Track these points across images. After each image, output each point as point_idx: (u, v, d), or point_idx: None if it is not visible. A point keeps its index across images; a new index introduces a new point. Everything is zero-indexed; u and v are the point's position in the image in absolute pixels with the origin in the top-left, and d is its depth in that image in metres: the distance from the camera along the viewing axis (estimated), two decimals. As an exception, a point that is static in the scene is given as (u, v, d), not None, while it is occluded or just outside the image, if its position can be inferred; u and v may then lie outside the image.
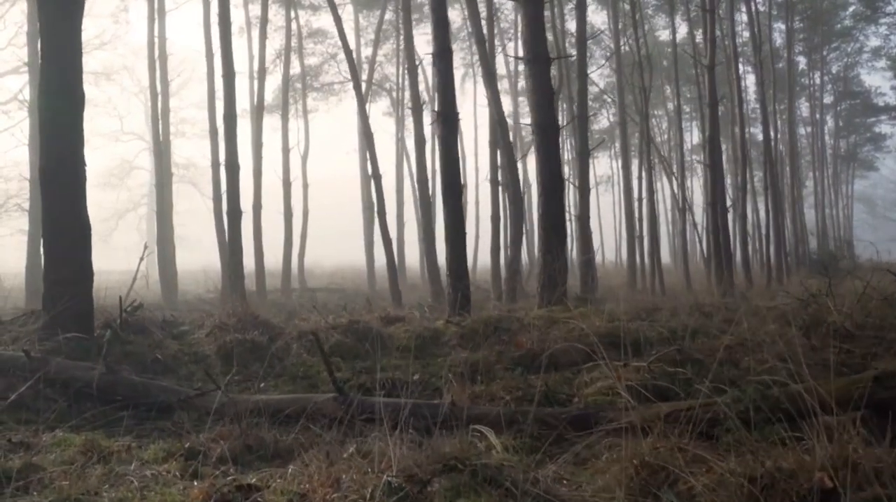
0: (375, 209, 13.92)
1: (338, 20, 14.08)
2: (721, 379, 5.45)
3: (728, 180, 30.61)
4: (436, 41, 7.65)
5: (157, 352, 5.66)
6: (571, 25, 25.85)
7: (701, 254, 25.26)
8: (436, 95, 7.85)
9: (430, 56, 8.00)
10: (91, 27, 27.61)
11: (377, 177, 14.09)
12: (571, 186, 18.24)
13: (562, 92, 20.36)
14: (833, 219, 41.79)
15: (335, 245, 46.52)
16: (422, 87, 32.41)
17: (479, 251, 29.36)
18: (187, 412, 4.55)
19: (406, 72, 15.33)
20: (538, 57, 8.66)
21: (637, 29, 20.89)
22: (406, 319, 7.40)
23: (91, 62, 21.83)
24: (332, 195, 42.92)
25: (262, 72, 18.96)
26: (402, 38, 27.25)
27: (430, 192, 15.99)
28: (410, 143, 27.95)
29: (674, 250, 34.70)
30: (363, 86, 27.39)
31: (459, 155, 9.33)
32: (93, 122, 26.30)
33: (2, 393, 4.52)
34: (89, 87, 22.23)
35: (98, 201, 30.79)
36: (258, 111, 18.30)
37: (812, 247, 32.62)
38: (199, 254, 33.76)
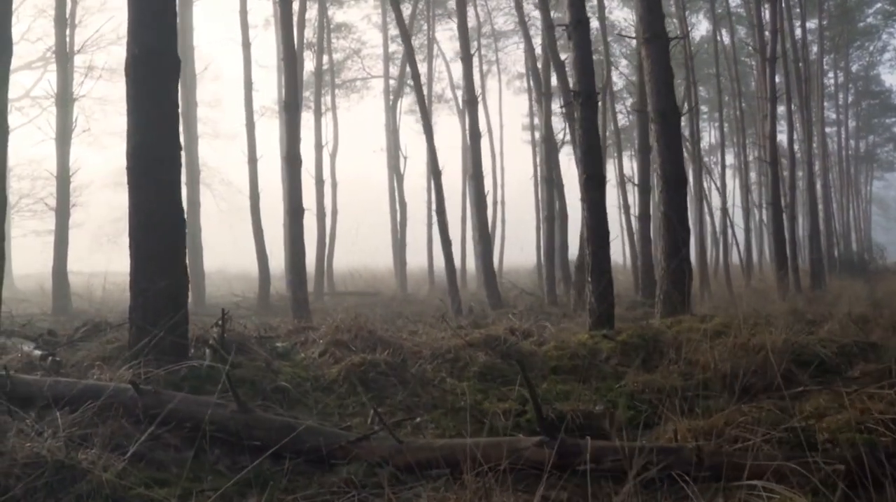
0: (434, 208, 12.87)
1: (395, 2, 13.02)
2: None
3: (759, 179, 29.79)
4: (571, 10, 6.66)
5: (277, 379, 4.59)
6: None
7: (737, 255, 24.41)
8: (573, 73, 6.88)
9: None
10: (107, 20, 26.51)
11: (437, 173, 13.03)
12: (630, 185, 17.29)
13: (607, 88, 19.45)
14: (854, 221, 41.05)
15: (345, 246, 45.47)
16: (444, 83, 31.45)
17: (505, 252, 28.48)
18: (351, 462, 3.53)
19: (461, 61, 14.22)
20: (657, 35, 7.67)
21: (682, 23, 19.99)
22: (534, 332, 6.37)
23: (105, 58, 20.71)
24: (348, 195, 41.89)
25: (301, 63, 17.85)
26: (429, 30, 26.38)
27: (486, 191, 14.90)
28: (436, 140, 26.92)
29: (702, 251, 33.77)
30: (392, 82, 26.46)
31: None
32: (105, 120, 25.25)
33: (113, 441, 3.46)
34: (103, 84, 20.81)
35: (108, 201, 29.71)
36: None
37: (840, 249, 31.94)
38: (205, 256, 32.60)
